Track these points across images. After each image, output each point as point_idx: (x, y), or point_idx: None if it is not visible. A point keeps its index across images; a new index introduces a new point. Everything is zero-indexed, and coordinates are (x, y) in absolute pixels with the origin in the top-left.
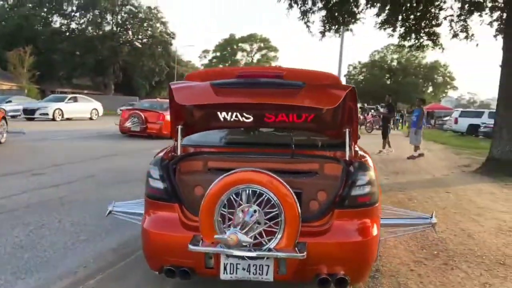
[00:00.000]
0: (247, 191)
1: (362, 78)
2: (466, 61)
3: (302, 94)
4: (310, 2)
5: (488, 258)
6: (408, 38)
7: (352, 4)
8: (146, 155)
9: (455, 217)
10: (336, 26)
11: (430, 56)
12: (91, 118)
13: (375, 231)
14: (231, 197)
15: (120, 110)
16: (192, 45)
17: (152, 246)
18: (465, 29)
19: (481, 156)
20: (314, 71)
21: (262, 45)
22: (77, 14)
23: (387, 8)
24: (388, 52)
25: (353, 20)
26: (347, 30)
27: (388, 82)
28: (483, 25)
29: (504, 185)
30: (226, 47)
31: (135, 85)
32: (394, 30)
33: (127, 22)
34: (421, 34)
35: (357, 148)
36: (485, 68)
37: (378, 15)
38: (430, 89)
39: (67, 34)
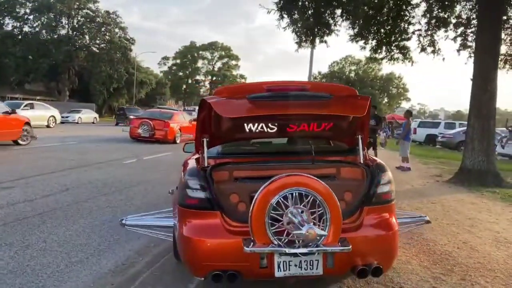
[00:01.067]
0: (294, 194)
1: None
2: (416, 74)
3: (332, 104)
4: (297, 13)
5: (500, 271)
6: (380, 51)
7: (328, 16)
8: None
9: (451, 228)
10: (311, 38)
11: (385, 68)
12: (48, 126)
13: (396, 224)
14: (280, 200)
15: (131, 117)
16: (154, 52)
17: (198, 253)
18: (432, 43)
19: (448, 166)
20: (333, 84)
21: (223, 53)
22: (31, 17)
23: (360, 21)
24: (346, 64)
25: (327, 32)
26: (322, 42)
27: None
28: (447, 40)
29: (480, 195)
30: (186, 54)
31: (92, 91)
32: (366, 43)
33: (84, 26)
34: (392, 47)
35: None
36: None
37: (352, 28)
38: (386, 100)
39: (20, 37)
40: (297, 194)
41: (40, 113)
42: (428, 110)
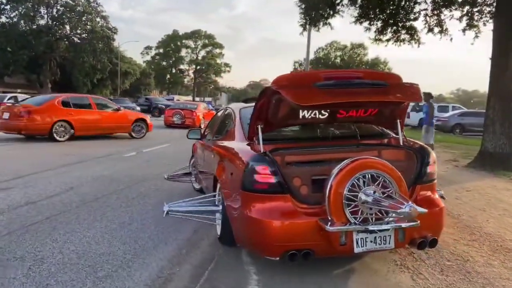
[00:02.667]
0: (367, 176)
1: None
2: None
3: (391, 92)
4: None
5: None
6: (385, 32)
7: None
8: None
9: (508, 220)
10: (315, 19)
11: (371, 53)
12: None
13: (441, 200)
14: (354, 181)
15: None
16: (137, 41)
17: (272, 234)
18: (439, 23)
19: (457, 150)
20: (381, 72)
21: (207, 41)
22: (8, 7)
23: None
24: (332, 49)
25: (332, 12)
26: (326, 24)
27: None
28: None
29: (509, 179)
30: (169, 43)
31: (75, 83)
32: (371, 24)
33: (64, 16)
34: (399, 28)
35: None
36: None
37: (356, 7)
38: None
39: None
40: (369, 176)
41: None
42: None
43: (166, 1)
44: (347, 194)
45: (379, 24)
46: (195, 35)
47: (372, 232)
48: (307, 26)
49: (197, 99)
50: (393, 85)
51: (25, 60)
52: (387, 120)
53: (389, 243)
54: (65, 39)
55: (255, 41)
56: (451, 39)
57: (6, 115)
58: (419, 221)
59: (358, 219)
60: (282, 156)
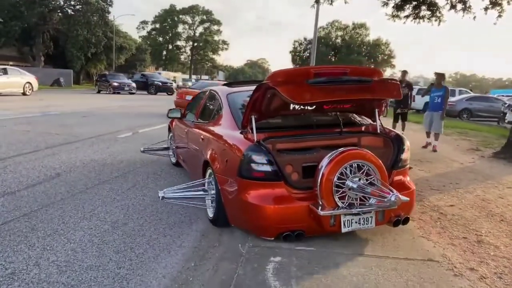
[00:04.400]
0: (354, 165)
1: (307, 54)
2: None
3: (375, 88)
4: None
5: None
6: (404, 8)
7: None
8: None
9: None
10: None
11: (373, 33)
12: (24, 93)
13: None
14: (343, 170)
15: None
16: (133, 14)
17: (268, 218)
18: (462, 0)
19: (474, 137)
20: (365, 68)
21: (204, 17)
22: None
23: None
24: (333, 29)
25: None
26: None
27: (333, 59)
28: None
29: None
30: (166, 18)
31: (69, 57)
32: None
33: None
34: (420, 3)
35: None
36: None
37: None
38: (372, 66)
39: None
40: (356, 165)
41: (14, 80)
42: (409, 77)
43: None
44: (336, 182)
45: None
46: (192, 10)
47: (357, 214)
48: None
49: (193, 76)
50: (376, 81)
51: (17, 32)
52: (366, 110)
53: (371, 223)
54: (59, 11)
55: (252, 19)
56: (474, 17)
57: None
58: (396, 205)
59: (345, 203)
60: (273, 144)
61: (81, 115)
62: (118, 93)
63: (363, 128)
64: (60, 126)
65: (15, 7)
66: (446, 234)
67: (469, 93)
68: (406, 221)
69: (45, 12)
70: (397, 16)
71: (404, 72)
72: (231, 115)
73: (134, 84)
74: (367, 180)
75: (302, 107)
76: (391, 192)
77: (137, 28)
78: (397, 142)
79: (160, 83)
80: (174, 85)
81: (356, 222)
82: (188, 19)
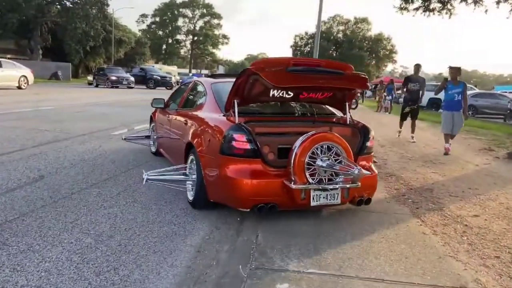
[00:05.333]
0: (324, 146)
1: (308, 49)
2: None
3: (345, 79)
4: None
5: None
6: (413, 0)
7: None
8: None
9: None
10: None
11: (375, 28)
12: (19, 87)
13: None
14: (314, 150)
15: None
16: (132, 7)
17: (245, 190)
18: None
19: (483, 136)
20: (338, 62)
21: (205, 11)
22: None
23: None
24: (334, 24)
25: None
26: None
27: (334, 54)
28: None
29: None
30: (166, 12)
31: (67, 50)
32: None
33: None
34: None
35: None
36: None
37: None
38: (374, 61)
39: None
40: (326, 146)
41: (9, 73)
42: (410, 73)
43: None
44: (308, 160)
45: None
46: (192, 3)
47: (325, 190)
48: None
49: (193, 71)
50: (347, 74)
51: (15, 24)
52: (338, 102)
53: (337, 199)
54: (57, 3)
55: (253, 13)
56: (486, 10)
57: None
58: (360, 183)
59: (315, 180)
60: (253, 127)
61: (75, 110)
62: (117, 87)
63: (334, 119)
64: (51, 122)
65: None
66: (475, 253)
67: (474, 89)
68: (368, 201)
69: (42, 4)
70: (405, 8)
71: (418, 66)
72: (215, 101)
73: (132, 78)
74: (335, 160)
75: (280, 95)
76: (355, 167)
77: (136, 21)
78: (363, 132)
79: (159, 77)
80: (174, 79)
81: (323, 198)
82: (188, 12)
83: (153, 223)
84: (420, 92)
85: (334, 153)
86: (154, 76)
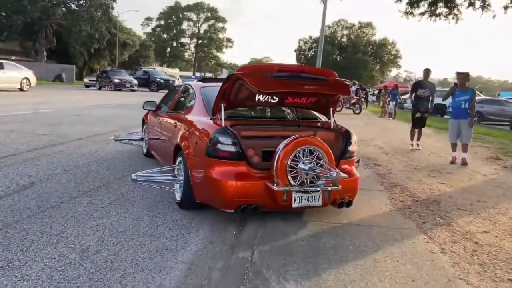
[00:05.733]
0: (306, 150)
1: (312, 53)
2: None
3: (328, 86)
4: None
5: None
6: (419, 4)
7: None
8: None
9: None
10: None
11: (379, 33)
12: (21, 89)
13: (356, 171)
14: (296, 154)
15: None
16: (137, 10)
17: (230, 192)
18: None
19: (490, 144)
20: (321, 69)
21: (209, 15)
22: None
23: None
24: (338, 28)
25: None
26: None
27: (338, 58)
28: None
29: None
30: (171, 15)
31: (72, 52)
32: None
33: None
34: (437, 0)
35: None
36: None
37: None
38: (378, 66)
39: None
40: (307, 150)
41: (11, 74)
42: (414, 78)
43: None
44: (290, 163)
45: None
46: (197, 7)
47: (306, 192)
48: None
49: (197, 73)
50: (330, 80)
51: (20, 26)
52: (322, 108)
53: (318, 201)
54: (62, 5)
55: (256, 17)
56: (493, 16)
57: None
58: (340, 186)
59: (297, 182)
60: (239, 130)
61: (75, 113)
62: (119, 89)
63: (319, 124)
64: (49, 125)
65: (17, 1)
66: (487, 275)
67: (480, 95)
68: (349, 204)
69: (48, 6)
70: (411, 13)
71: (427, 71)
72: (203, 105)
73: (135, 81)
74: (317, 163)
75: (266, 100)
76: (333, 170)
77: (141, 24)
78: (346, 137)
79: (162, 80)
80: (176, 82)
81: (305, 199)
82: (193, 16)
83: (144, 236)
84: (430, 98)
85: (315, 156)
86: (157, 79)
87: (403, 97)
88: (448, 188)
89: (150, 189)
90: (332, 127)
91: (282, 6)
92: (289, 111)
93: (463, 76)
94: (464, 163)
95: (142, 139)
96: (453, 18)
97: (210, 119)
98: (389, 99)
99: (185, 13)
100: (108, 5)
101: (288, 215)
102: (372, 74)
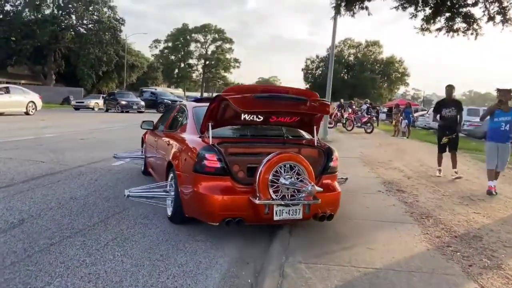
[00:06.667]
0: (287, 165)
1: (320, 72)
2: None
3: (309, 106)
4: None
5: None
6: (435, 20)
7: None
8: None
9: None
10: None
11: (386, 51)
12: (27, 113)
13: (338, 186)
14: (277, 169)
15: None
16: (145, 33)
17: (215, 206)
18: (502, 10)
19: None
20: (303, 89)
21: (216, 36)
22: None
23: None
24: (345, 47)
25: None
26: (363, 8)
27: (346, 77)
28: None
29: None
30: (178, 37)
31: (80, 75)
32: (417, 10)
33: (70, 5)
34: (454, 15)
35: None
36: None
37: None
38: (386, 84)
39: (1, 17)
40: (288, 165)
41: (17, 99)
42: (422, 95)
43: None
44: (272, 178)
45: (428, 10)
46: (204, 29)
47: (287, 205)
48: (341, 9)
49: (205, 94)
50: (311, 100)
51: (29, 50)
52: (306, 126)
53: (299, 215)
54: (71, 29)
55: (264, 37)
56: None
57: None
58: (320, 200)
59: (278, 196)
60: (226, 148)
61: (79, 137)
62: (127, 111)
63: (304, 141)
64: (50, 151)
65: (27, 26)
66: None
67: None
68: (330, 217)
69: (57, 31)
70: (427, 29)
71: (450, 88)
72: (194, 123)
73: (142, 103)
74: (297, 178)
75: (251, 118)
76: (309, 184)
77: (149, 46)
78: (328, 153)
79: (170, 101)
80: (184, 102)
81: (286, 213)
82: (200, 37)
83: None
84: (458, 117)
85: (296, 172)
86: (165, 100)
87: (416, 114)
88: (486, 219)
89: (154, 224)
90: (316, 144)
91: (290, 27)
92: (275, 129)
93: (504, 93)
94: (494, 192)
95: (142, 157)
96: (472, 33)
97: (199, 137)
98: (401, 117)
99: (193, 34)
100: (116, 28)
101: (312, 260)
102: (380, 92)
